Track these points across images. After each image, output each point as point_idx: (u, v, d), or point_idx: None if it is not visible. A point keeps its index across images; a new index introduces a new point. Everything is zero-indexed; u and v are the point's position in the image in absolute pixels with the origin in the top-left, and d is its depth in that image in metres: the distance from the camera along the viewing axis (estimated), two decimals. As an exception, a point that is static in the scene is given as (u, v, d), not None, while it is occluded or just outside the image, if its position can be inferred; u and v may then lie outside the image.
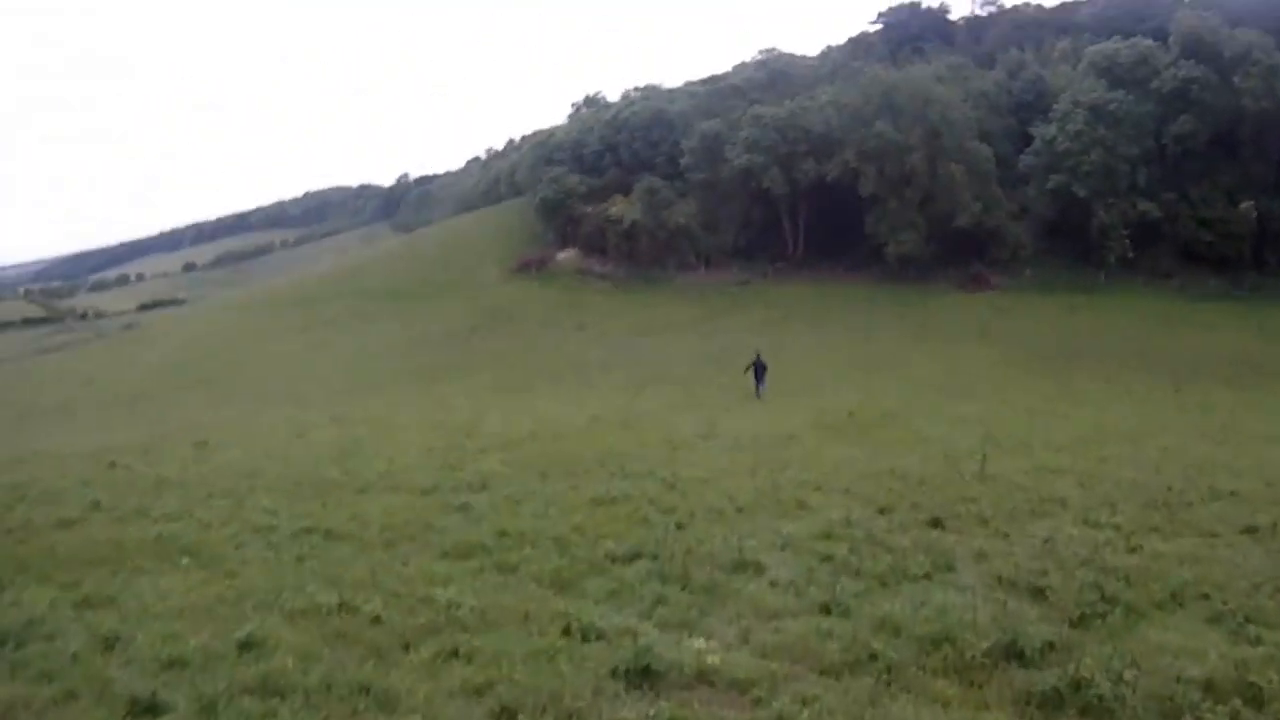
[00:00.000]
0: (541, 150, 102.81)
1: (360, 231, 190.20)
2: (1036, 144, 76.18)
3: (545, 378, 50.23)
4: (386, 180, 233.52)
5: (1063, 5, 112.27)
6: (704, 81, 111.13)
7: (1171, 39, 78.55)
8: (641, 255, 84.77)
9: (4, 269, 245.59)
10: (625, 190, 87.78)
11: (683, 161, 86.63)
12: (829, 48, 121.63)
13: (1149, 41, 79.69)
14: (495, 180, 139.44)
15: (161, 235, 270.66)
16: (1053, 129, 75.23)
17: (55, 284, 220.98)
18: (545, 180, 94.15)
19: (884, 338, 57.69)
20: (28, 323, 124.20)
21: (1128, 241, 72.41)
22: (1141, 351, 52.25)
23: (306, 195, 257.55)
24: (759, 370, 53.86)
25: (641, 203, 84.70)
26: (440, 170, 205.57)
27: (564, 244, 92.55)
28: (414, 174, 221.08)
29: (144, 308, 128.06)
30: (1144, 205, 72.79)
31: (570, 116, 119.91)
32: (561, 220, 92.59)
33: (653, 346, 59.31)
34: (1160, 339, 55.70)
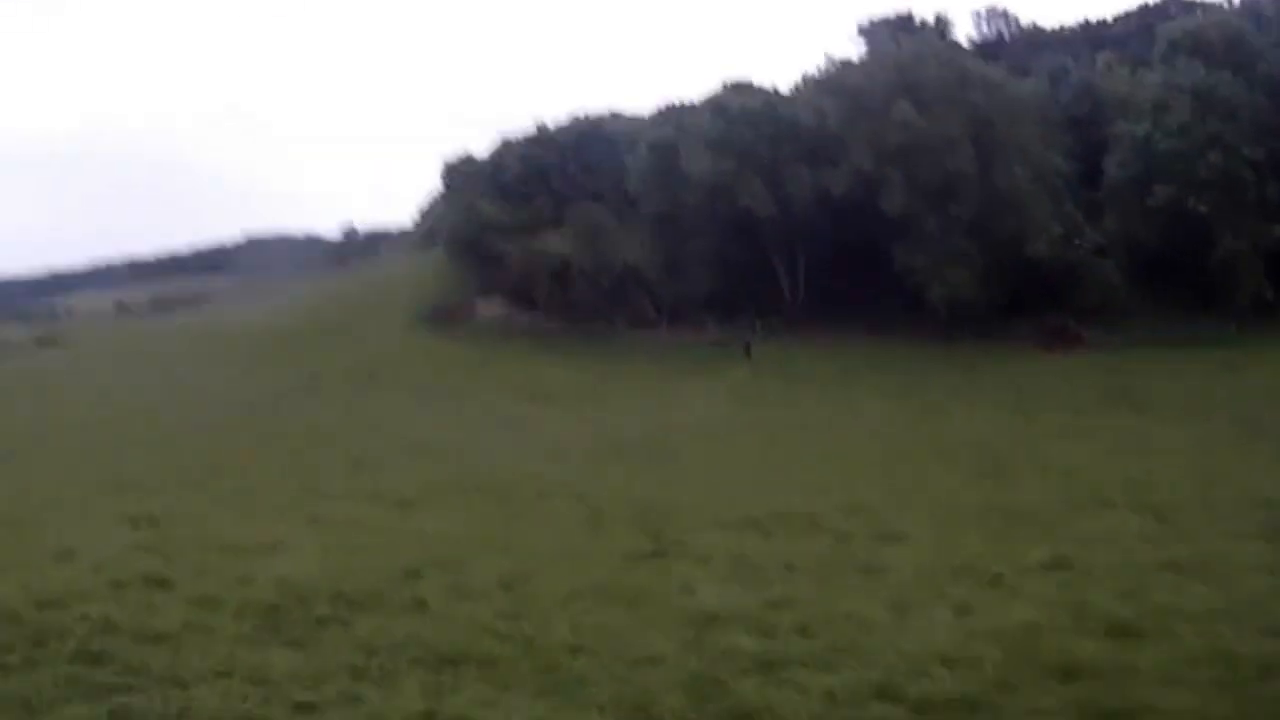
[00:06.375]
0: (455, 179, 77.42)
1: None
2: (1121, 152, 51.92)
3: (318, 466, 24.97)
4: (334, 230, 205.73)
5: (1087, 25, 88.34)
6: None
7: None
8: (580, 305, 59.87)
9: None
10: (559, 225, 63.26)
11: (630, 185, 61.77)
12: (804, 77, 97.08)
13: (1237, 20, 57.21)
14: (432, 227, 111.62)
15: (94, 269, 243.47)
16: (1145, 125, 51.09)
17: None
18: (455, 209, 69.54)
19: (964, 412, 32.86)
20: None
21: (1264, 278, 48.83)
22: None
23: (251, 242, 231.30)
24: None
25: (577, 236, 60.19)
26: (394, 224, 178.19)
27: (489, 290, 67.59)
28: (365, 225, 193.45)
29: (41, 343, 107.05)
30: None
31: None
32: (478, 260, 67.31)
33: (539, 422, 35.09)
34: None
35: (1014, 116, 52.10)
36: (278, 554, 11.96)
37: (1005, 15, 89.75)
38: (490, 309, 65.42)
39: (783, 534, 14.06)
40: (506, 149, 74.91)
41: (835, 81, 57.71)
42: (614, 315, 58.85)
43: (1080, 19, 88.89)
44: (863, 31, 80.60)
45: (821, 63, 69.38)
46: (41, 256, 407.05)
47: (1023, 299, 50.02)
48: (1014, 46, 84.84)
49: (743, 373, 45.69)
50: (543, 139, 72.18)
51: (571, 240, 60.00)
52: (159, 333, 79.68)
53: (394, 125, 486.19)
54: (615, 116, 73.64)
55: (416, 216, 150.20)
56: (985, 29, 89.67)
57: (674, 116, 67.28)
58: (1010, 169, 49.84)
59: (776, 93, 60.58)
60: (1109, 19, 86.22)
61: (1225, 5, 73.25)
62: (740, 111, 57.71)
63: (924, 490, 18.55)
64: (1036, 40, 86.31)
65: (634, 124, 69.04)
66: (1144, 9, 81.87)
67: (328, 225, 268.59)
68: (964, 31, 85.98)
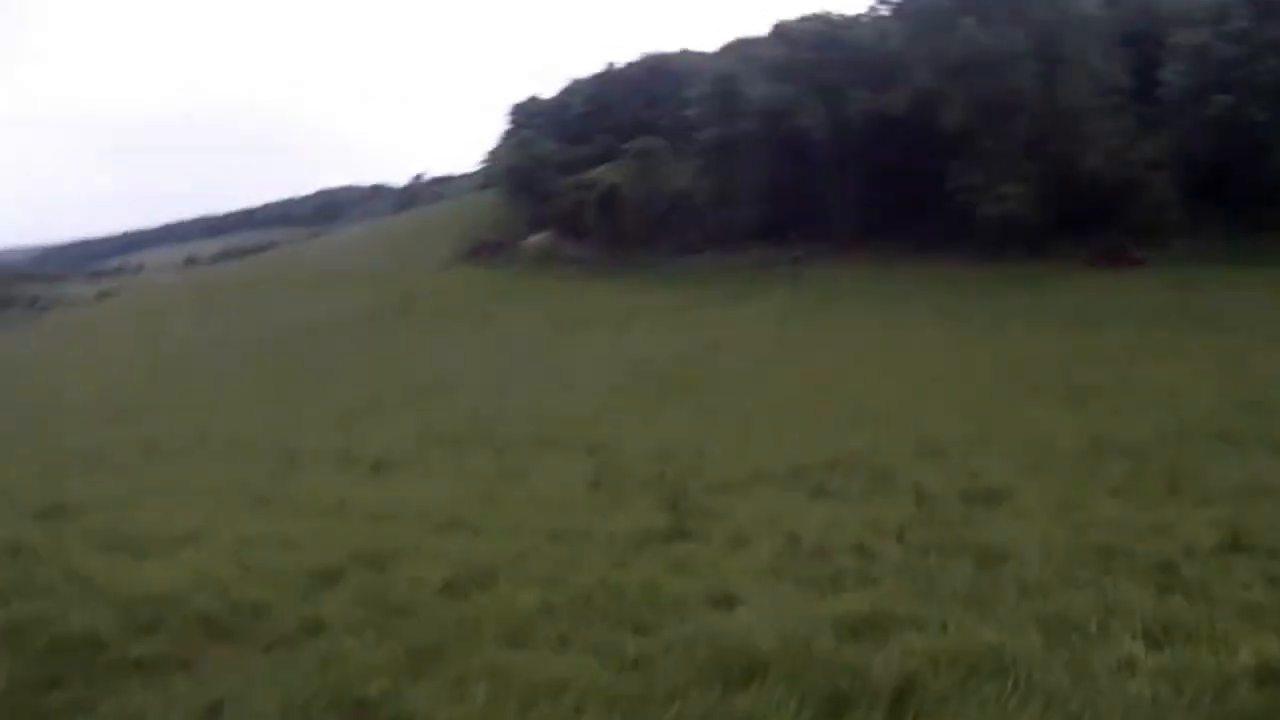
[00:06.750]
0: (521, 119, 72.38)
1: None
2: (1178, 62, 45.15)
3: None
4: (401, 180, 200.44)
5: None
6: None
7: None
8: (628, 233, 55.42)
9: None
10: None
11: (689, 113, 55.90)
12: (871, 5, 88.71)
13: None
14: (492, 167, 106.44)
15: (167, 228, 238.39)
16: (1204, 34, 44.79)
17: (55, 271, 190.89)
18: (512, 146, 65.32)
19: (1027, 330, 28.35)
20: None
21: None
22: None
23: (319, 193, 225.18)
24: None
25: (629, 167, 55.51)
26: (459, 171, 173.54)
27: (539, 225, 63.33)
28: (431, 173, 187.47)
29: (103, 295, 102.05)
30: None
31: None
32: (532, 196, 62.80)
33: (569, 351, 31.04)
34: None
35: (1077, 31, 46.06)
36: (174, 552, 8.27)
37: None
38: (537, 239, 61.47)
39: (845, 491, 10.22)
40: (573, 89, 70.46)
41: (899, 4, 51.52)
42: (660, 243, 54.44)
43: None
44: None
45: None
46: (120, 218, 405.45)
47: (1073, 216, 44.53)
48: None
49: (789, 293, 41.50)
50: (609, 77, 67.56)
51: (623, 169, 55.54)
52: (208, 282, 77.86)
53: (472, 78, 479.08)
54: (683, 53, 68.63)
55: (483, 160, 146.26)
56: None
57: (739, 49, 62.49)
58: (1073, 84, 44.29)
59: (843, 18, 54.68)
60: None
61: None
62: (803, 36, 52.49)
63: (1007, 423, 14.50)
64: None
65: (700, 59, 64.31)
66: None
67: (400, 177, 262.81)
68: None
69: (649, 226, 54.55)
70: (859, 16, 53.98)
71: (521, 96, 72.55)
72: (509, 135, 72.44)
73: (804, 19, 54.65)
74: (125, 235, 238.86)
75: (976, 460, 11.54)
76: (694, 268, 50.60)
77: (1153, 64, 46.72)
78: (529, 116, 71.68)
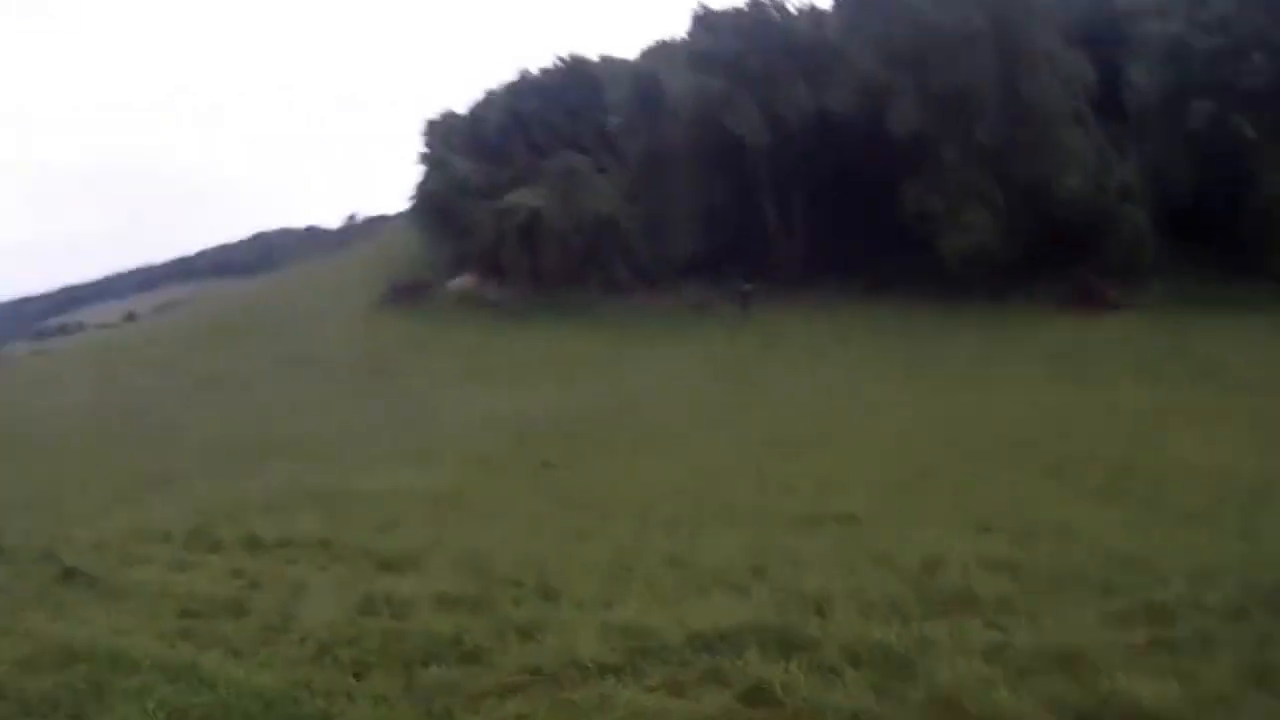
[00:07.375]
0: (435, 139, 65.45)
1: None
2: (1149, 57, 38.96)
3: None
4: (335, 221, 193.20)
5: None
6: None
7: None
8: (552, 271, 49.29)
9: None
10: (535, 182, 51.47)
11: (611, 121, 50.73)
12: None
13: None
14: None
15: (107, 281, 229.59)
16: (1177, 24, 38.57)
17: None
18: (428, 172, 58.76)
19: (1013, 387, 23.13)
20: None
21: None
22: None
23: (255, 237, 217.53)
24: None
25: (550, 189, 49.28)
26: (394, 207, 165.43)
27: (462, 261, 56.82)
28: (370, 211, 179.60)
29: (37, 354, 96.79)
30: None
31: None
32: (452, 229, 55.67)
33: (459, 406, 25.45)
34: None
35: (1038, 17, 39.90)
36: None
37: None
38: (459, 282, 55.22)
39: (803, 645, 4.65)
40: (488, 101, 63.67)
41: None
42: (586, 281, 48.53)
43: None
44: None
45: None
46: (55, 269, 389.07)
47: (1039, 253, 38.27)
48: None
49: (725, 339, 36.24)
50: (524, 85, 60.89)
51: (544, 192, 49.26)
52: (133, 340, 70.76)
53: (400, 113, 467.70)
54: (604, 59, 62.32)
55: (409, 194, 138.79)
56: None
57: (662, 51, 56.61)
58: (1038, 77, 38.02)
59: (774, 4, 48.40)
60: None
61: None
62: (728, 21, 46.92)
63: (1050, 536, 8.70)
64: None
65: (622, 66, 57.94)
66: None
67: (334, 217, 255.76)
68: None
69: (574, 263, 48.67)
70: (790, 7, 48.52)
71: (435, 114, 65.06)
72: (425, 159, 65.57)
73: (730, 11, 49.12)
74: (66, 290, 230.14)
75: (1045, 621, 5.93)
76: (620, 310, 45.04)
77: (1117, 68, 40.45)
78: (444, 136, 64.72)
